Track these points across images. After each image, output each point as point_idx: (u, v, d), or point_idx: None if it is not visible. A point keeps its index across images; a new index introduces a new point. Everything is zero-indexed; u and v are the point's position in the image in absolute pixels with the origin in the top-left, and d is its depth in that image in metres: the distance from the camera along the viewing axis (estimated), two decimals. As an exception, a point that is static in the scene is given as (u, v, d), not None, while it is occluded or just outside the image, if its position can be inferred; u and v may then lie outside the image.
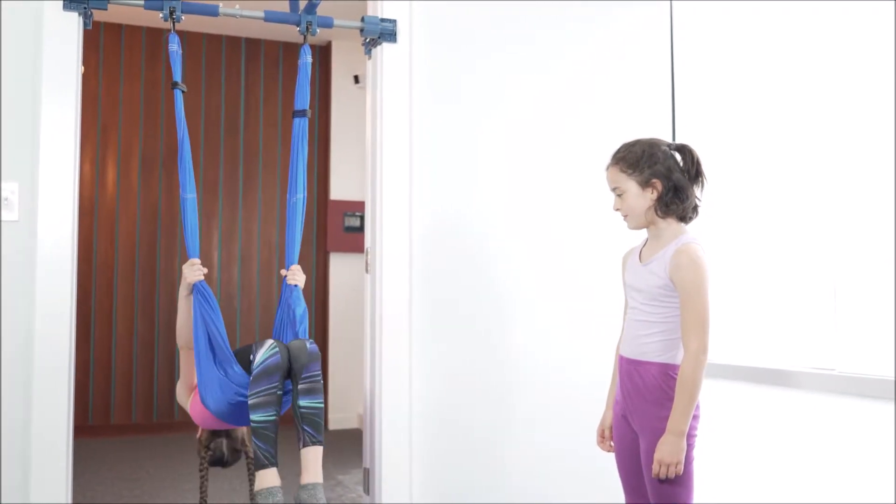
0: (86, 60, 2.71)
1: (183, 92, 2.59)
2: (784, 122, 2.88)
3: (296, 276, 2.65)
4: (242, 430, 2.69)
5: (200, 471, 2.68)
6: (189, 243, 2.55)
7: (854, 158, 2.59)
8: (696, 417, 2.14)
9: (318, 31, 2.79)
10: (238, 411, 2.41)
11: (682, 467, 2.03)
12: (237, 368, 2.40)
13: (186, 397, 2.58)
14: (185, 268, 2.50)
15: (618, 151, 2.20)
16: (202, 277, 2.49)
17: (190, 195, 2.56)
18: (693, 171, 2.16)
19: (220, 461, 2.69)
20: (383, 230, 2.90)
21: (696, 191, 2.18)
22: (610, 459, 2.35)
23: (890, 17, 2.46)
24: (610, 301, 2.97)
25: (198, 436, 2.70)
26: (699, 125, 3.14)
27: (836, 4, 2.65)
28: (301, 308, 2.59)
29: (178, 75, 2.60)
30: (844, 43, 2.63)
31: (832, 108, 2.67)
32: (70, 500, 2.59)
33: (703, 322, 2.04)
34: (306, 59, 2.71)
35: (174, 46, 2.60)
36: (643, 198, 2.15)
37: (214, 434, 2.66)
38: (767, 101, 2.96)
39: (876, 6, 2.51)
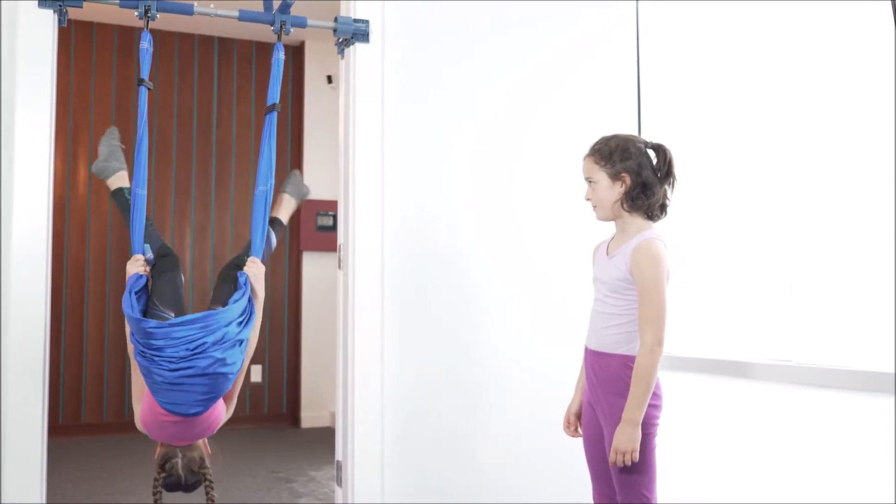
0: (56, 57, 2.73)
1: (149, 90, 2.60)
2: (745, 124, 2.97)
3: (250, 268, 2.51)
4: (200, 450, 2.46)
5: (154, 495, 2.40)
6: (136, 239, 2.56)
7: (811, 158, 2.69)
8: (658, 407, 2.21)
9: (291, 30, 2.82)
10: (176, 391, 2.28)
11: (637, 455, 2.09)
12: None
13: (137, 404, 2.45)
14: (130, 264, 2.51)
15: (595, 143, 2.28)
16: (144, 271, 2.51)
17: (141, 191, 2.57)
18: (664, 170, 2.22)
19: (177, 484, 2.43)
20: (356, 227, 2.95)
21: (668, 191, 2.24)
22: (579, 458, 2.40)
23: (849, 21, 2.56)
24: (580, 298, 3.03)
25: (155, 456, 2.48)
26: (664, 124, 3.22)
27: (799, 5, 2.73)
28: (238, 298, 2.41)
29: (145, 73, 2.60)
30: (805, 45, 2.72)
31: (792, 110, 2.76)
32: (44, 501, 2.60)
33: (660, 316, 2.11)
34: (279, 55, 2.74)
35: (145, 44, 2.61)
36: (612, 190, 2.22)
37: (170, 454, 2.41)
38: (730, 102, 3.04)
39: (838, 8, 2.59)
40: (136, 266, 2.49)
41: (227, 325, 2.35)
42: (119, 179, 2.70)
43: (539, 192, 3.23)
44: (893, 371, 2.24)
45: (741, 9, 2.98)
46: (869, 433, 2.31)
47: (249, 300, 2.42)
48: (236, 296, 2.41)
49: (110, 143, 2.73)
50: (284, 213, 2.80)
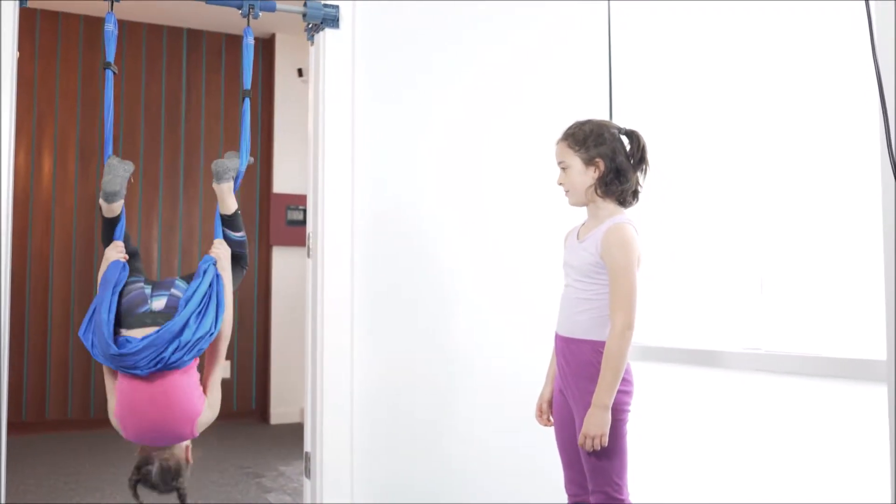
0: (21, 46, 2.66)
1: (114, 74, 2.54)
2: (716, 119, 2.98)
3: (217, 249, 2.45)
4: (178, 459, 2.37)
5: (131, 489, 2.34)
6: (118, 227, 2.53)
7: (782, 151, 2.71)
8: (628, 393, 2.20)
9: (260, 14, 2.78)
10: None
11: (606, 439, 2.09)
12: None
13: (112, 397, 2.31)
14: (109, 250, 2.45)
15: (569, 128, 2.27)
16: (124, 258, 2.46)
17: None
18: (638, 156, 2.22)
19: (149, 485, 2.36)
20: (325, 216, 2.91)
21: (640, 177, 2.24)
22: (550, 454, 2.39)
23: (817, 17, 2.58)
24: (551, 293, 3.02)
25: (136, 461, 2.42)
26: (636, 118, 3.22)
27: (768, 4, 2.75)
28: (194, 289, 2.31)
29: (111, 56, 2.54)
30: (775, 40, 2.74)
31: (761, 106, 2.78)
32: (2, 500, 2.53)
33: (630, 300, 2.11)
34: (249, 40, 2.70)
35: (110, 26, 2.56)
36: (585, 175, 2.22)
37: (146, 460, 2.34)
38: (703, 96, 3.06)
39: (807, 6, 2.62)
40: (117, 251, 2.42)
41: (179, 335, 2.25)
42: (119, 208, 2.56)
43: (510, 186, 3.21)
44: (858, 357, 2.26)
45: (717, 10, 2.99)
46: (834, 417, 2.33)
47: (211, 285, 2.33)
48: (188, 292, 2.30)
49: (126, 172, 2.55)
50: (224, 203, 2.62)
